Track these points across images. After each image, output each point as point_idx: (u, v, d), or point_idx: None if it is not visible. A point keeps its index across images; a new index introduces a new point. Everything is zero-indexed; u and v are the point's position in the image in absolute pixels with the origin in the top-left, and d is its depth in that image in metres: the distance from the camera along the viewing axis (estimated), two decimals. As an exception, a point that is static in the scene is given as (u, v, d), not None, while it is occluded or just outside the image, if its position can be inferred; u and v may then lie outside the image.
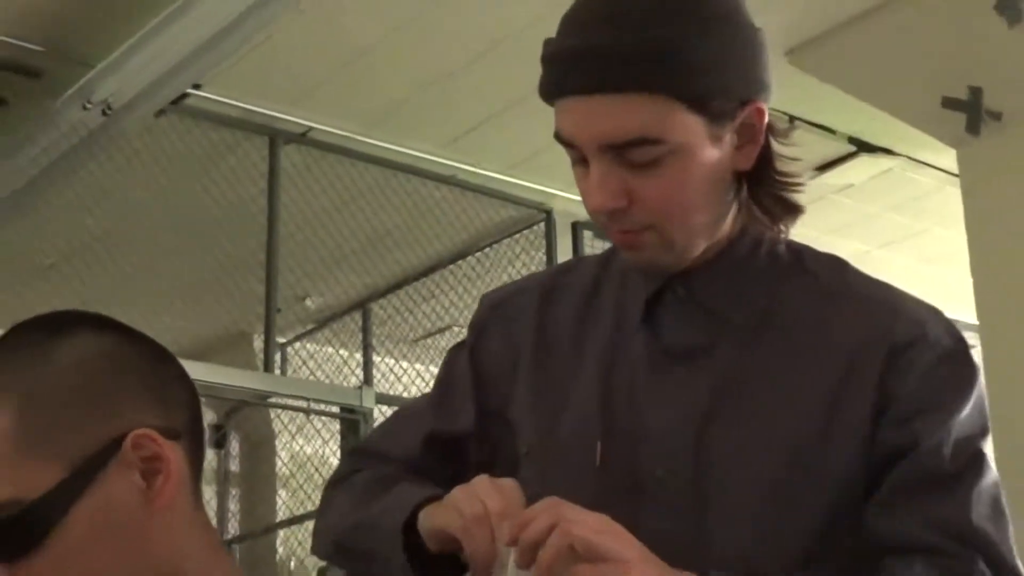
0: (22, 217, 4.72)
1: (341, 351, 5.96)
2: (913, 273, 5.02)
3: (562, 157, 1.26)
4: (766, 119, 1.25)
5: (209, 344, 5.78)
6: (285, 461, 5.91)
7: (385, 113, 4.49)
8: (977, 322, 3.75)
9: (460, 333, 6.15)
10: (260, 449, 6.06)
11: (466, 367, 1.45)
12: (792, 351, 1.26)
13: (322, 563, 5.19)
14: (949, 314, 1.32)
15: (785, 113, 3.50)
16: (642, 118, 1.18)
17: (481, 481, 1.21)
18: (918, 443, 1.20)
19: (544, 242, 5.15)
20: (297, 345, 5.99)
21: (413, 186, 4.85)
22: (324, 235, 5.05)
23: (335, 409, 4.46)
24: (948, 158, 3.94)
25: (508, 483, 1.21)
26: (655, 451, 1.25)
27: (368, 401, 4.40)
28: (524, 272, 5.13)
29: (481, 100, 4.42)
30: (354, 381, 5.57)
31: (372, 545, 1.32)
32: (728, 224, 1.29)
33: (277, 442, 5.92)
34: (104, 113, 4.12)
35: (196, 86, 4.18)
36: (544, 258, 5.12)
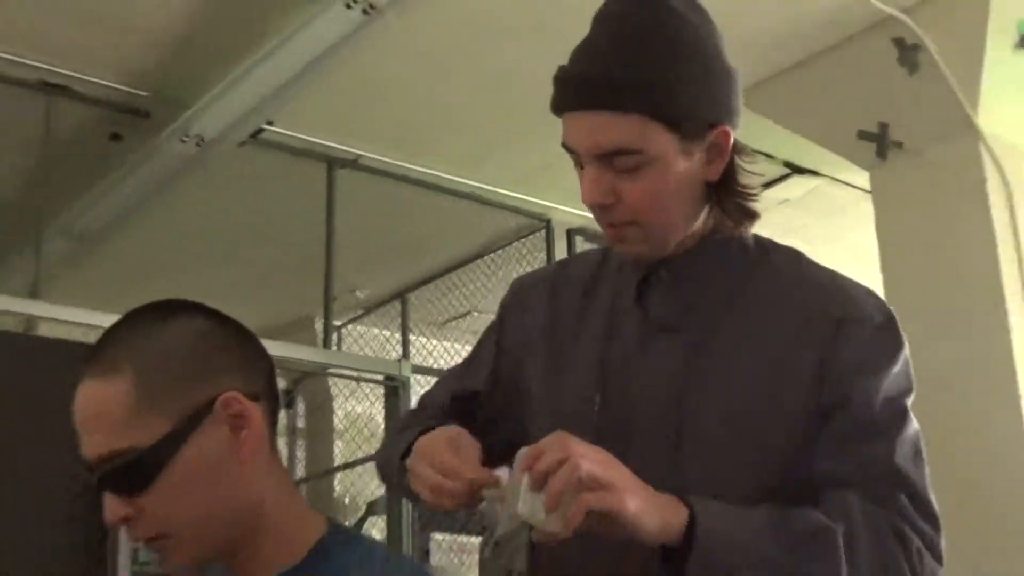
0: (136, 228, 4.72)
1: (384, 331, 5.95)
2: (836, 269, 4.99)
3: (558, 176, 1.28)
4: (731, 140, 1.24)
5: (280, 326, 5.77)
6: (340, 419, 5.90)
7: (417, 142, 4.47)
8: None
9: (479, 318, 6.16)
10: (320, 409, 6.05)
11: (492, 341, 1.46)
12: (753, 323, 1.26)
13: (371, 499, 5.19)
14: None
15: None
16: (625, 133, 1.19)
17: (436, 444, 1.23)
18: (852, 399, 1.20)
19: (544, 245, 5.12)
20: (349, 327, 5.98)
21: (440, 201, 4.83)
22: (370, 240, 5.03)
23: (379, 377, 4.44)
24: (863, 178, 3.93)
25: (463, 441, 1.24)
26: (642, 402, 1.25)
27: (406, 371, 4.39)
28: (529, 269, 5.14)
29: (492, 131, 4.40)
30: (394, 355, 5.57)
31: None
32: (700, 222, 1.28)
33: (334, 404, 5.92)
34: (198, 145, 4.11)
35: (269, 123, 4.17)
36: (544, 258, 5.09)
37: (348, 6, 3.38)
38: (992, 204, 3.43)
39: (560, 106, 1.24)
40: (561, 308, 1.38)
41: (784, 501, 1.17)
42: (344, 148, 4.53)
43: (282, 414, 6.01)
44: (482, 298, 5.46)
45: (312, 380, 5.75)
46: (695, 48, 1.22)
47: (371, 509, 5.10)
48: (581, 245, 5.08)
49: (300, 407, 6.15)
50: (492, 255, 5.34)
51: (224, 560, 1.16)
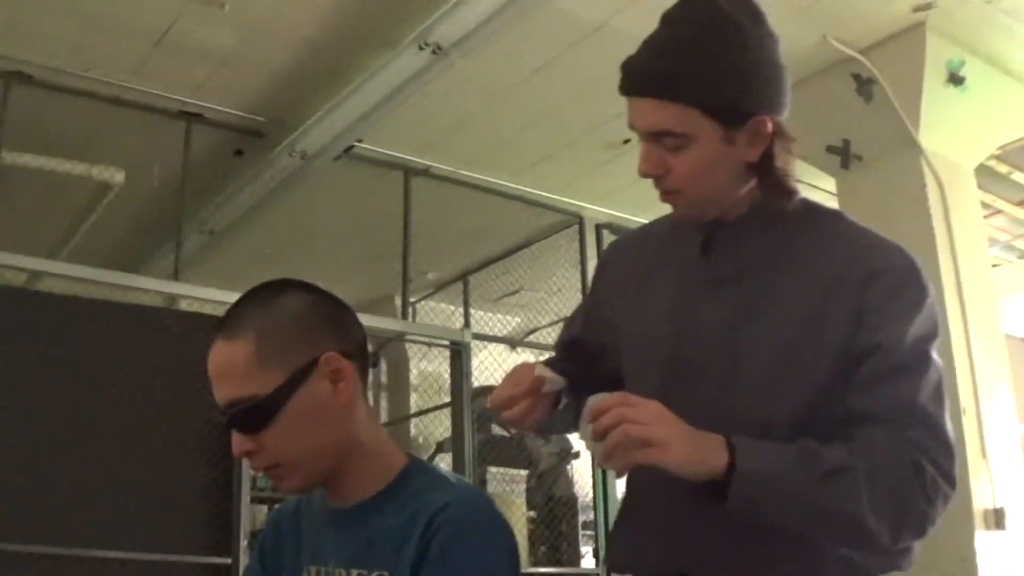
0: (255, 224, 4.78)
1: (449, 306, 5.94)
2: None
3: (588, 183, 1.25)
4: (769, 127, 1.17)
5: (367, 302, 5.78)
6: (415, 376, 5.89)
7: (476, 154, 4.47)
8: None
9: (525, 294, 6.09)
10: (399, 368, 6.06)
11: (588, 295, 1.46)
12: (798, 275, 1.19)
13: (440, 439, 5.20)
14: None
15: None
16: (671, 118, 1.15)
17: (512, 370, 1.30)
18: (881, 344, 1.13)
19: (577, 237, 5.07)
20: (423, 303, 5.98)
21: (494, 201, 4.81)
22: (438, 233, 5.02)
23: (446, 343, 4.46)
24: (830, 184, 3.91)
25: (524, 369, 1.28)
26: (705, 340, 1.22)
27: (467, 338, 4.41)
28: (566, 257, 5.14)
29: (535, 148, 4.39)
30: (458, 325, 5.55)
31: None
32: (745, 194, 1.22)
33: (410, 364, 5.91)
34: (302, 158, 4.15)
35: (359, 140, 4.19)
36: (577, 247, 5.05)
37: (420, 48, 3.39)
38: (931, 206, 3.51)
39: (623, 90, 1.19)
40: (645, 259, 1.34)
41: (815, 433, 1.12)
42: (418, 160, 4.54)
43: (370, 372, 6.03)
44: (528, 279, 5.45)
45: (392, 345, 5.76)
46: (742, 47, 1.15)
47: (440, 448, 5.13)
48: (608, 237, 5.04)
49: (383, 367, 6.17)
50: (536, 245, 5.32)
51: (326, 485, 1.17)
